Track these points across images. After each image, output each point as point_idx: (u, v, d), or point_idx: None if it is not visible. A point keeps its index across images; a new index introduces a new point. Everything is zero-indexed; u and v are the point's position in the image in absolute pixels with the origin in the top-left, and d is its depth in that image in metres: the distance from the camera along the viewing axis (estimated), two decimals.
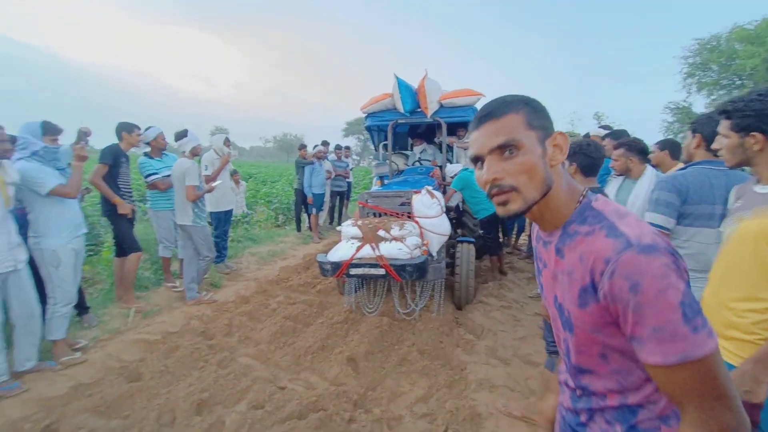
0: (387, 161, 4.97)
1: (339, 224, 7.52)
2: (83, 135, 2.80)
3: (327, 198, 6.86)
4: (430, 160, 5.47)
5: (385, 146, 5.04)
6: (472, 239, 3.79)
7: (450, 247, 3.78)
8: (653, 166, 2.54)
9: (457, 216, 4.57)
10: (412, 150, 5.86)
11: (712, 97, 18.80)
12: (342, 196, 7.45)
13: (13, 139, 2.31)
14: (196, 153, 3.58)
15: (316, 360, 2.74)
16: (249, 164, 25.03)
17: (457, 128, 5.09)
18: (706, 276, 1.33)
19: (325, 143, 6.98)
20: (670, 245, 0.60)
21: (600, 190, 2.00)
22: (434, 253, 3.19)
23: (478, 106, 4.88)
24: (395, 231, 2.96)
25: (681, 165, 2.96)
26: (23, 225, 2.48)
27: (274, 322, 3.28)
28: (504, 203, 0.68)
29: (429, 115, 4.55)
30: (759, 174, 1.19)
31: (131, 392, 2.27)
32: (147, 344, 2.85)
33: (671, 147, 2.87)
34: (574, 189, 0.72)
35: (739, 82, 17.34)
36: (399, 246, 2.88)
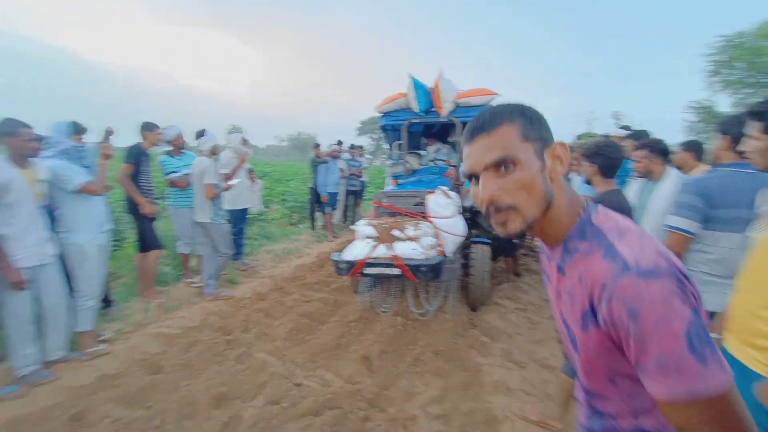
0: (401, 161, 4.98)
1: (353, 223, 7.58)
2: (107, 134, 2.91)
3: (341, 197, 6.91)
4: (444, 160, 5.45)
5: (400, 146, 5.05)
6: (488, 240, 3.77)
7: (464, 247, 3.78)
8: (676, 167, 2.49)
9: (471, 216, 4.56)
10: (426, 149, 5.86)
11: (738, 96, 18.16)
12: (356, 195, 7.50)
13: (40, 139, 2.41)
14: (214, 152, 3.66)
15: (332, 358, 2.77)
16: (264, 163, 25.34)
17: None
18: (732, 282, 1.30)
19: (340, 143, 7.03)
20: (676, 266, 0.55)
21: (619, 192, 1.97)
22: (449, 254, 3.19)
23: (494, 104, 4.84)
24: (410, 231, 2.98)
25: (704, 167, 2.91)
26: (52, 221, 2.58)
27: (290, 320, 3.34)
28: (503, 223, 0.64)
29: (444, 115, 4.54)
30: None
31: (153, 384, 2.35)
32: (168, 338, 2.93)
33: (694, 148, 2.80)
34: (575, 201, 0.68)
35: (765, 81, 16.70)
36: (414, 246, 2.89)
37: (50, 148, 2.54)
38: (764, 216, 1.21)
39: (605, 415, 0.69)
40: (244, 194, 4.64)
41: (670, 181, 2.30)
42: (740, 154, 1.59)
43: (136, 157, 3.38)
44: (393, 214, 3.43)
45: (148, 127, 3.52)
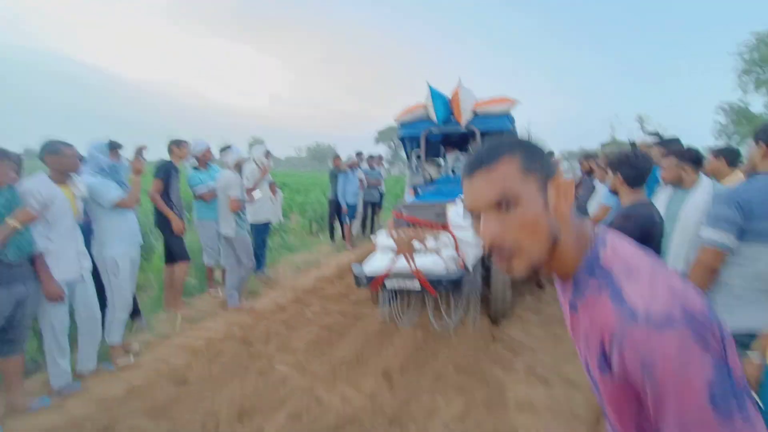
0: (420, 171, 4.97)
1: (371, 233, 7.60)
2: (140, 151, 3.04)
3: (360, 207, 6.95)
4: None
5: (419, 156, 5.05)
6: None
7: (485, 258, 3.71)
8: (708, 175, 2.37)
9: None
10: (445, 158, 5.83)
11: None
12: (374, 206, 7.52)
13: (81, 157, 2.54)
14: (238, 165, 3.76)
15: (352, 372, 2.76)
16: (283, 173, 25.91)
17: (491, 136, 5.01)
18: None
19: (359, 153, 7.09)
20: (694, 309, 0.50)
21: (649, 204, 1.89)
22: (470, 266, 3.14)
23: (513, 112, 4.78)
24: (430, 243, 2.95)
25: (739, 174, 2.76)
26: (88, 235, 2.71)
27: (310, 332, 3.35)
28: (507, 265, 0.60)
29: (463, 124, 4.51)
30: None
31: (179, 396, 2.40)
32: (192, 350, 3.00)
33: (728, 154, 2.67)
34: (584, 234, 0.64)
35: None
36: (434, 258, 2.86)
37: (88, 166, 2.67)
38: None
39: None
40: (266, 206, 4.74)
41: (703, 190, 2.19)
42: None
43: (166, 172, 3.52)
44: (413, 225, 3.42)
45: (176, 143, 3.67)
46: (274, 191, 5.00)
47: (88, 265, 2.53)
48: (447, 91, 4.67)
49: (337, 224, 6.86)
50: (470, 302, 3.44)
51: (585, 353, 0.64)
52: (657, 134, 3.42)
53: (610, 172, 1.99)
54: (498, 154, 0.60)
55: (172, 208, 3.52)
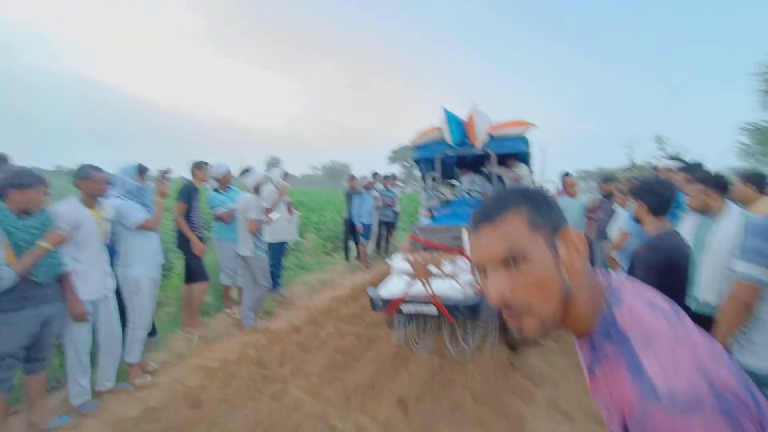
0: (435, 193, 4.98)
1: (386, 253, 7.58)
2: (164, 174, 3.15)
3: (374, 227, 6.97)
4: (478, 191, 5.40)
5: (434, 178, 5.06)
6: None
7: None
8: (735, 202, 2.30)
9: None
10: (459, 180, 5.83)
11: None
12: (389, 226, 7.53)
13: (109, 180, 2.65)
14: (257, 187, 3.84)
15: (366, 398, 2.70)
16: (299, 191, 26.30)
17: (507, 159, 5.00)
18: None
19: (375, 174, 7.17)
20: (723, 386, 0.45)
21: (675, 234, 1.83)
22: None
23: (529, 136, 4.78)
24: (447, 267, 2.92)
25: None
26: (111, 255, 2.79)
27: (325, 355, 3.32)
28: (517, 326, 0.58)
29: (478, 147, 4.53)
30: None
31: (194, 419, 2.38)
32: (208, 371, 3.00)
33: (756, 180, 2.58)
34: (598, 290, 0.61)
35: None
36: (452, 284, 2.82)
37: (116, 188, 2.78)
38: None
39: None
40: (282, 227, 4.81)
41: (732, 218, 2.12)
42: None
43: (188, 195, 3.63)
44: (429, 249, 3.40)
45: (198, 166, 3.79)
46: (291, 211, 5.07)
47: (113, 285, 2.60)
48: (462, 113, 4.72)
49: (351, 244, 6.88)
50: (488, 328, 3.36)
51: (607, 417, 0.60)
52: (679, 158, 3.36)
53: (632, 200, 1.95)
54: (504, 208, 0.58)
55: (193, 229, 3.61)
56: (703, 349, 0.50)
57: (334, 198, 21.34)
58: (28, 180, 2.04)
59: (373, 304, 2.92)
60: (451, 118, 4.58)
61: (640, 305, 0.57)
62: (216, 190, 4.07)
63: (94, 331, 2.53)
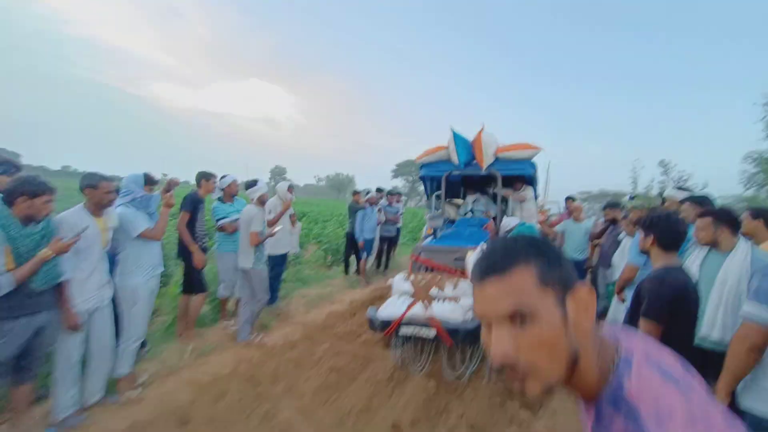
0: (440, 212, 4.96)
1: (386, 269, 7.52)
2: (172, 184, 3.14)
3: (376, 243, 6.92)
4: (483, 210, 5.38)
5: (438, 196, 5.05)
6: None
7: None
8: (745, 236, 2.25)
9: None
10: (464, 199, 5.82)
11: None
12: (391, 241, 7.48)
13: (117, 190, 2.64)
14: (262, 201, 3.83)
15: (360, 422, 2.62)
16: (302, 201, 26.34)
17: (512, 181, 4.99)
18: None
19: (380, 190, 7.16)
20: None
21: (682, 270, 1.78)
22: None
23: (536, 159, 4.78)
24: (449, 290, 2.88)
25: None
26: (111, 263, 2.75)
27: (319, 373, 3.24)
28: (520, 386, 0.54)
29: (484, 168, 4.53)
30: None
31: None
32: (199, 386, 2.93)
33: (766, 216, 2.54)
34: (606, 350, 0.57)
35: None
36: (452, 307, 2.77)
37: (123, 197, 2.77)
38: None
39: None
40: (284, 238, 4.78)
41: (742, 254, 2.07)
42: None
43: (193, 205, 3.62)
44: (431, 269, 3.35)
45: (205, 177, 3.78)
46: (293, 223, 5.05)
47: (110, 294, 2.56)
48: (467, 134, 4.74)
49: (352, 258, 6.83)
50: (486, 352, 3.28)
51: None
52: (686, 188, 3.32)
53: (642, 232, 1.91)
54: (512, 262, 0.55)
55: (195, 240, 3.58)
56: (718, 427, 0.46)
57: (336, 209, 21.36)
58: (36, 188, 2.02)
59: (372, 324, 2.87)
60: (459, 139, 4.59)
61: (651, 373, 0.53)
62: (220, 200, 4.05)
63: (86, 341, 2.48)
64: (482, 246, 3.19)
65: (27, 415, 2.22)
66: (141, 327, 2.79)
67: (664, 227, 1.78)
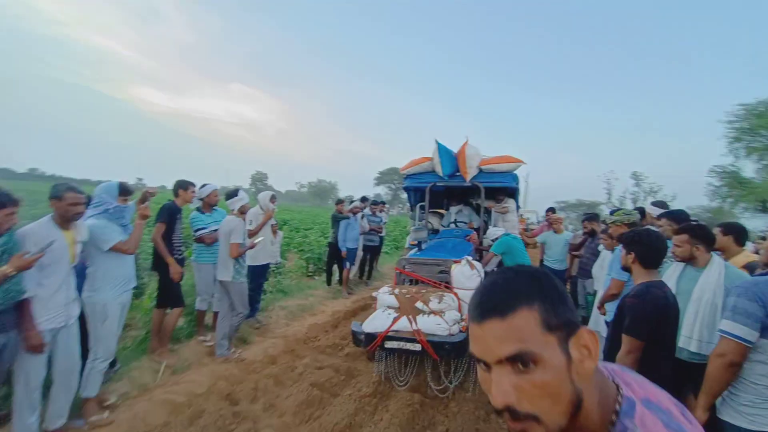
0: (424, 223, 4.97)
1: (369, 278, 7.46)
2: (148, 195, 2.98)
3: (359, 252, 6.87)
4: (465, 222, 5.42)
5: (422, 207, 5.06)
6: None
7: None
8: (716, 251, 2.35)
9: None
10: (447, 209, 5.86)
11: (764, 162, 17.95)
12: (373, 251, 7.44)
13: (88, 200, 2.49)
14: (243, 211, 3.72)
15: None
16: (283, 208, 25.91)
17: (495, 192, 5.07)
18: None
19: (365, 199, 7.13)
20: None
21: (662, 285, 1.83)
22: None
23: (519, 172, 4.88)
24: (434, 304, 2.86)
25: (747, 252, 2.74)
26: (80, 278, 2.58)
27: (301, 390, 3.15)
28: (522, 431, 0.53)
29: (468, 180, 4.58)
30: None
31: None
32: (173, 406, 2.78)
33: (736, 232, 2.66)
34: (608, 395, 0.57)
35: None
36: (438, 321, 2.75)
37: (95, 207, 2.61)
38: None
39: None
40: (266, 249, 4.66)
41: (716, 269, 2.16)
42: None
43: (170, 216, 3.46)
44: (416, 282, 3.33)
45: (183, 186, 3.62)
46: (275, 232, 4.94)
47: (76, 312, 2.40)
48: (451, 146, 4.79)
49: (335, 268, 6.74)
50: (471, 366, 3.27)
51: None
52: (662, 203, 3.45)
53: (623, 249, 1.96)
54: (515, 302, 0.52)
55: (172, 252, 3.43)
56: None
57: (318, 217, 21.14)
58: None
59: (356, 339, 2.81)
60: (443, 151, 4.63)
61: (655, 420, 0.53)
62: (199, 210, 3.89)
63: (50, 362, 2.31)
64: (466, 259, 3.20)
65: None
66: (110, 346, 2.62)
67: (646, 245, 1.83)
